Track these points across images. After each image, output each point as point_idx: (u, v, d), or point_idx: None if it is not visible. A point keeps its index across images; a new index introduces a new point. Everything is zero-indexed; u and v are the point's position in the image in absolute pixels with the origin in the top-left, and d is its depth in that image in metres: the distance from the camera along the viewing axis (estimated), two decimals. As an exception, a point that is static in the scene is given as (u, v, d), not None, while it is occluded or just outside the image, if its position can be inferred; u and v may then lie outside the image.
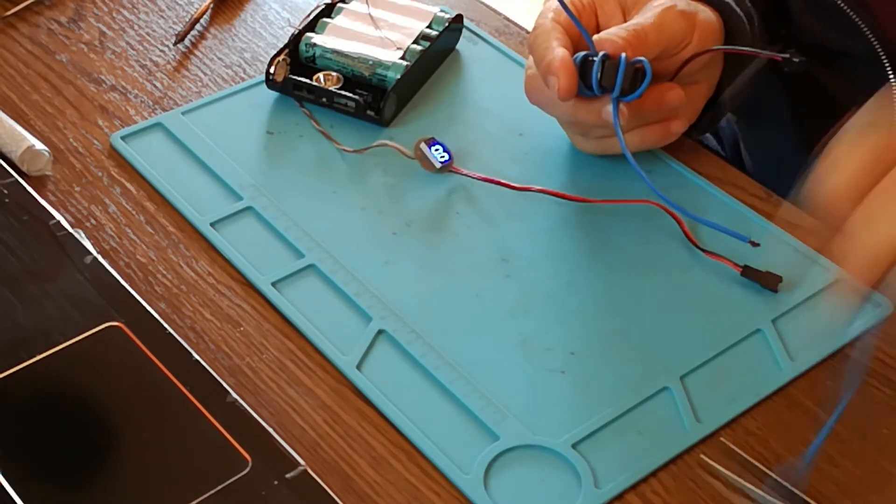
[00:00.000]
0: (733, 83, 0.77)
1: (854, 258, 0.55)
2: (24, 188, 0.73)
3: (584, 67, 0.69)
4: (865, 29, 0.76)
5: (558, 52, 0.69)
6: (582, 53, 0.70)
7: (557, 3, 0.71)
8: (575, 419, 0.62)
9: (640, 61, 0.69)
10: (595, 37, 0.70)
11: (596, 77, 0.69)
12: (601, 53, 0.69)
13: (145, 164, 0.76)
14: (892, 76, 0.76)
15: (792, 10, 0.83)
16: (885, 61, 0.75)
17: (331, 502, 0.57)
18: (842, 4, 0.76)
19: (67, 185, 0.75)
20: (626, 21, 0.73)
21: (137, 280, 0.69)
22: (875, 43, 0.75)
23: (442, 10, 0.85)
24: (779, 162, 0.91)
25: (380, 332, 0.66)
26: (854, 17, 0.76)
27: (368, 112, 0.78)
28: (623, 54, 0.68)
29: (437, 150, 0.75)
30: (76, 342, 0.64)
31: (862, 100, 0.79)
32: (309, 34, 0.82)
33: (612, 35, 0.70)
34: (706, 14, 0.74)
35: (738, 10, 0.75)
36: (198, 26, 0.88)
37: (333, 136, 0.78)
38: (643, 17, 0.71)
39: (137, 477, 0.59)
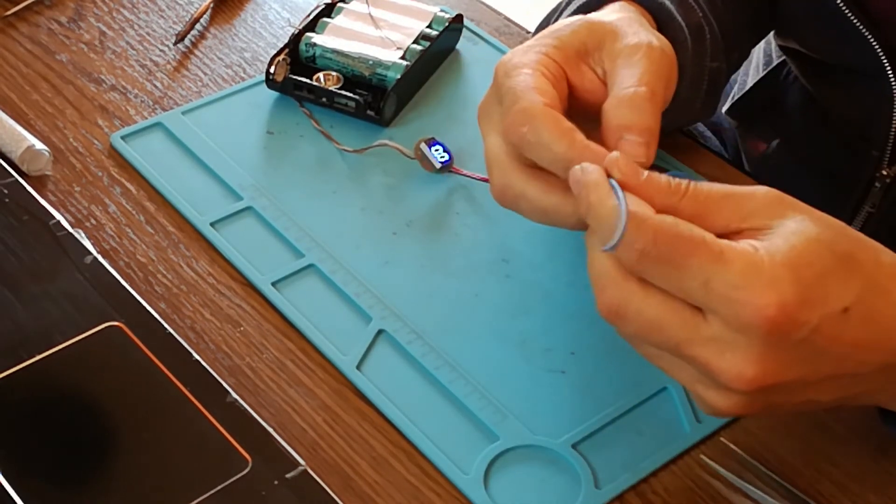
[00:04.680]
0: (672, 100, 0.65)
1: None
2: (24, 188, 0.73)
3: None
4: (873, 41, 0.74)
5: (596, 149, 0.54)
6: None
7: (527, 71, 0.58)
8: (575, 419, 0.62)
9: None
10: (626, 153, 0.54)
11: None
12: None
13: (145, 164, 0.76)
14: (895, 89, 0.75)
15: (794, 21, 0.82)
16: (890, 76, 0.75)
17: (331, 502, 0.57)
18: (850, 17, 0.74)
19: (67, 185, 0.75)
20: (593, 71, 0.60)
21: (137, 280, 0.69)
22: (882, 56, 0.75)
23: (442, 10, 0.85)
24: (774, 170, 0.91)
25: (380, 332, 0.66)
26: (862, 29, 0.74)
27: (368, 112, 0.78)
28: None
29: (437, 150, 0.75)
30: (76, 342, 0.64)
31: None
32: (309, 34, 0.82)
33: (634, 147, 0.55)
34: (658, 35, 0.62)
35: (678, 17, 0.67)
36: (198, 26, 0.88)
37: (333, 136, 0.78)
38: (634, 68, 0.58)
39: (137, 477, 0.59)
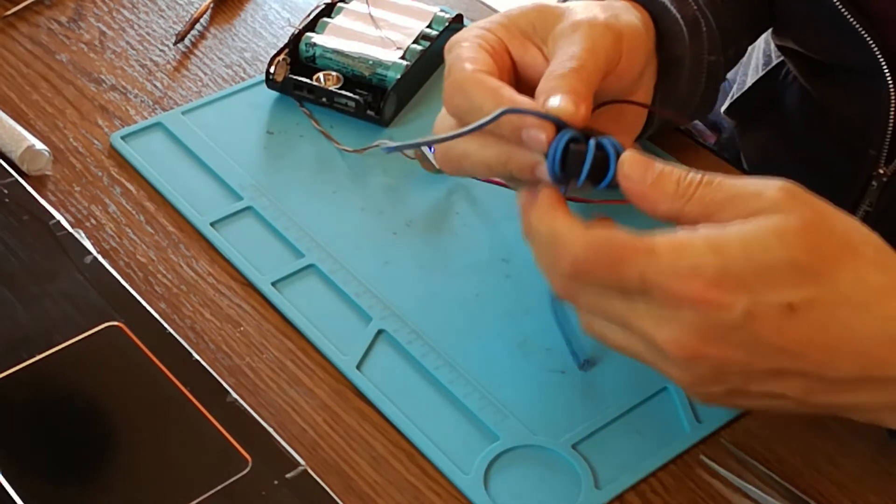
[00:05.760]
0: (672, 93, 0.70)
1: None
2: (24, 188, 0.73)
3: None
4: (870, 42, 0.74)
5: (519, 97, 0.56)
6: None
7: (465, 44, 0.60)
8: (575, 419, 0.62)
9: (603, 144, 0.55)
10: (540, 109, 0.56)
11: (556, 167, 0.55)
12: (565, 135, 0.55)
13: (145, 164, 0.76)
14: (892, 88, 0.75)
15: (792, 21, 0.82)
16: (887, 75, 0.75)
17: (331, 502, 0.57)
18: (848, 17, 0.74)
19: (67, 185, 0.75)
20: (540, 50, 0.62)
21: (137, 280, 0.69)
22: (879, 56, 0.75)
23: (442, 10, 0.85)
24: (772, 169, 0.91)
25: (380, 332, 0.66)
26: (860, 29, 0.74)
27: (368, 112, 0.78)
28: (591, 140, 0.54)
29: (437, 150, 0.75)
30: (76, 342, 0.64)
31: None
32: (309, 34, 0.82)
33: (562, 108, 0.56)
34: (628, 16, 0.63)
35: (673, 10, 0.67)
36: (198, 26, 0.88)
37: (333, 136, 0.78)
38: (571, 45, 0.59)
39: (137, 477, 0.59)
